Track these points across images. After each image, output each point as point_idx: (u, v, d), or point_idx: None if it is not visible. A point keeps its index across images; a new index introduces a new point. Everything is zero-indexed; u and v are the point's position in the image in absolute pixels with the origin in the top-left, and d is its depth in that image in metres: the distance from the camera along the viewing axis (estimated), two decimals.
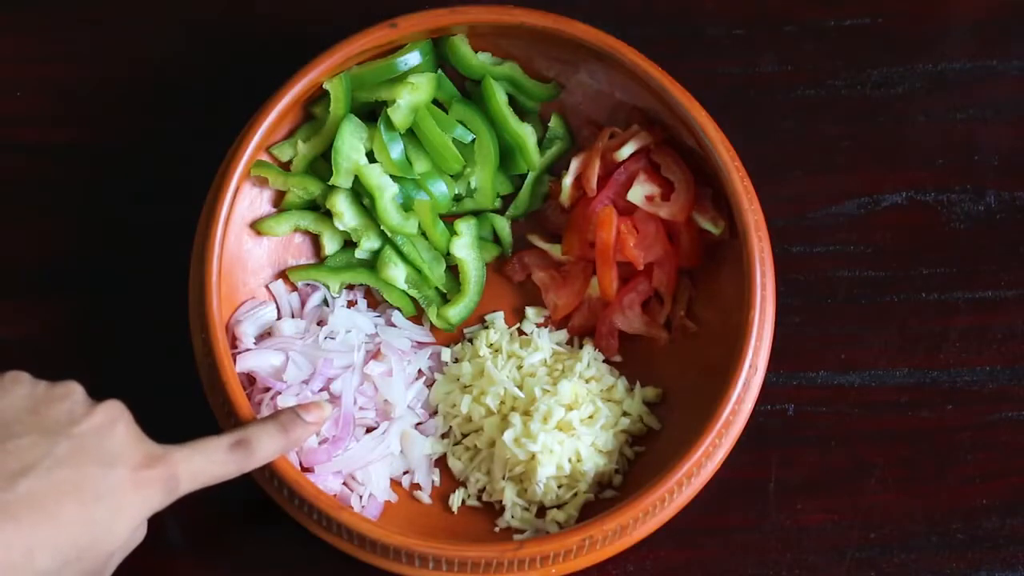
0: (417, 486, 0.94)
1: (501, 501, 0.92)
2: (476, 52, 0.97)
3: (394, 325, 0.96)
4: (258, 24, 1.02)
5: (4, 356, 0.95)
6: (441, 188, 0.97)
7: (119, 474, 0.79)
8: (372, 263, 0.97)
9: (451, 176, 0.97)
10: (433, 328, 0.97)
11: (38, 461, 0.77)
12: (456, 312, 0.96)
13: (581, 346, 0.96)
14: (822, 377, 0.96)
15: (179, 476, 0.81)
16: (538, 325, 0.97)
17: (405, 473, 0.94)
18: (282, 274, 0.96)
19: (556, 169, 0.99)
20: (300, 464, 0.91)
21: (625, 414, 0.94)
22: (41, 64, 1.02)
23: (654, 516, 0.89)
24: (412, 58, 0.95)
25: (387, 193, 0.95)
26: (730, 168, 0.92)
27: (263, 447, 0.84)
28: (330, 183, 0.95)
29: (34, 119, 1.01)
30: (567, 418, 0.91)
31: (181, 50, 1.02)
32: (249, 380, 0.92)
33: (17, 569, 0.76)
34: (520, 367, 0.94)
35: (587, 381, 0.93)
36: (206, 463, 0.82)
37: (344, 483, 0.92)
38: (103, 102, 1.01)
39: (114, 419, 0.80)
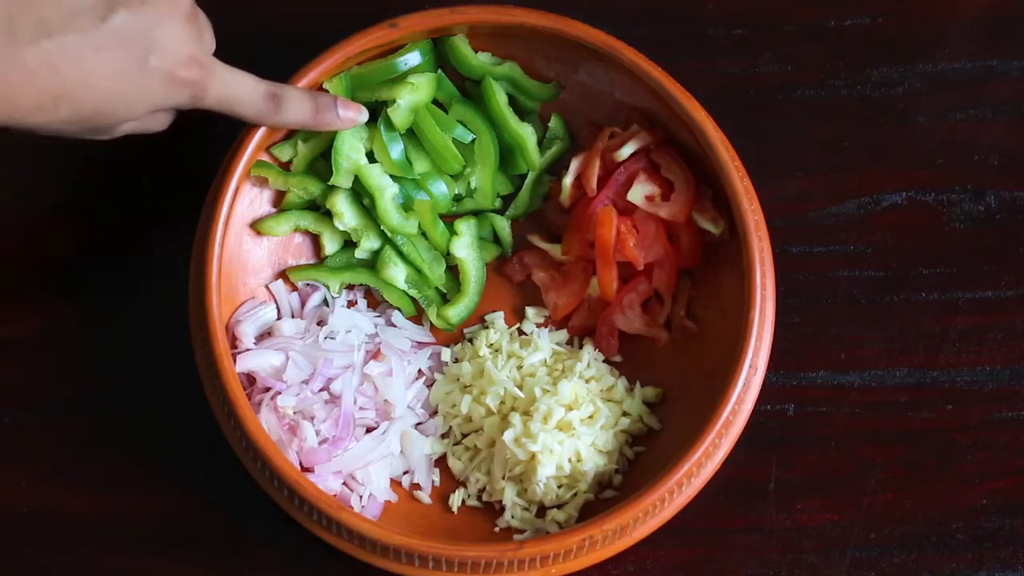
0: (417, 486, 0.94)
1: (501, 501, 0.92)
2: (476, 52, 0.97)
3: (394, 325, 0.96)
4: (258, 24, 1.02)
5: (4, 356, 0.95)
6: (441, 188, 0.97)
7: (158, 63, 0.82)
8: (372, 263, 0.97)
9: (451, 176, 0.97)
10: (433, 328, 0.97)
11: (88, 25, 0.80)
12: (456, 312, 0.96)
13: (581, 346, 0.96)
14: (822, 377, 0.96)
15: (208, 90, 0.85)
16: (538, 325, 0.97)
17: (405, 473, 0.94)
18: (282, 274, 0.96)
19: (556, 169, 0.99)
20: (300, 464, 0.91)
21: (625, 414, 0.94)
22: None
23: (654, 516, 0.89)
24: (412, 58, 0.95)
25: (387, 193, 0.95)
26: (730, 168, 0.93)
27: (291, 110, 0.89)
28: (330, 183, 0.95)
29: None
30: (567, 418, 0.91)
31: None
32: (249, 380, 0.92)
33: (42, 111, 0.80)
34: (520, 367, 0.94)
35: (587, 381, 0.93)
36: (237, 93, 0.86)
37: (344, 483, 0.92)
38: None
39: (185, 15, 0.83)
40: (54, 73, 0.79)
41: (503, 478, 0.92)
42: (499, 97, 0.97)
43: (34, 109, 0.80)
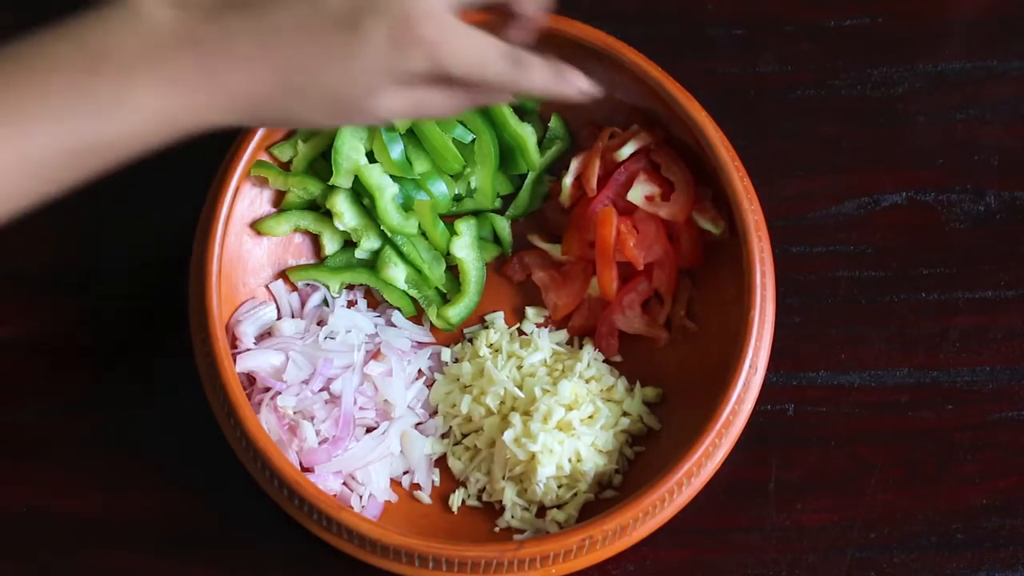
0: (417, 486, 0.94)
1: (501, 501, 0.92)
2: None
3: (394, 325, 0.96)
4: None
5: (4, 356, 0.95)
6: (441, 188, 0.97)
7: (373, 25, 0.75)
8: (372, 263, 0.97)
9: (451, 176, 0.97)
10: (433, 328, 0.97)
11: (298, 4, 0.75)
12: (456, 312, 0.96)
13: (581, 346, 0.96)
14: (822, 377, 0.96)
15: (443, 48, 0.77)
16: (538, 325, 0.97)
17: (405, 473, 0.94)
18: (282, 274, 0.96)
19: (556, 169, 0.99)
20: (300, 464, 0.91)
21: (625, 414, 0.94)
22: None
23: (654, 516, 0.89)
24: None
25: (387, 193, 0.95)
26: (730, 168, 0.93)
27: (534, 74, 0.80)
28: (330, 183, 0.95)
29: None
30: (567, 418, 0.91)
31: None
32: (249, 380, 0.92)
33: (271, 101, 0.76)
34: (520, 367, 0.94)
35: (587, 381, 0.93)
36: (480, 52, 0.78)
37: (344, 483, 0.92)
38: None
39: None
40: (273, 61, 0.75)
41: (503, 478, 0.92)
42: None
43: (262, 99, 0.76)
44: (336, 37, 0.76)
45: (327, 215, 0.96)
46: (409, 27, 0.76)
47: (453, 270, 0.98)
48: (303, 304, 0.96)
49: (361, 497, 0.92)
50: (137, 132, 0.75)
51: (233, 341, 0.92)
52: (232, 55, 0.75)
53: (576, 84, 0.82)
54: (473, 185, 0.98)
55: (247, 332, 0.92)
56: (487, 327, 0.97)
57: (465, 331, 0.97)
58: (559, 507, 0.92)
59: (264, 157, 0.95)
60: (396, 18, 0.76)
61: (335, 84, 0.77)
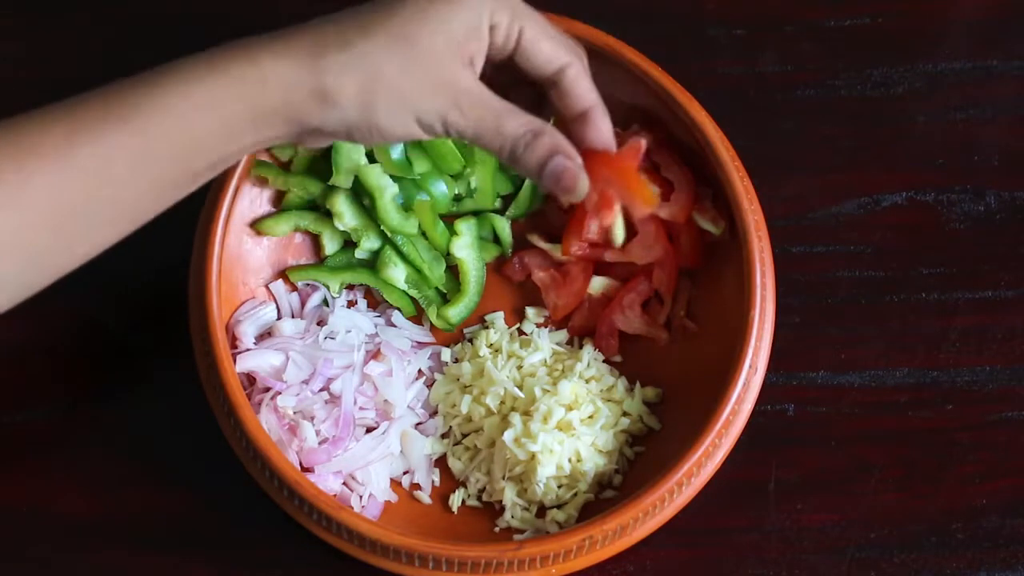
0: (417, 486, 0.94)
1: (501, 501, 0.92)
2: None
3: (394, 325, 0.96)
4: (283, 24, 1.02)
5: (5, 356, 0.95)
6: (441, 188, 0.97)
7: (436, 41, 0.78)
8: (372, 263, 0.97)
9: (451, 176, 0.97)
10: (433, 328, 0.97)
11: (376, 30, 0.78)
12: (456, 312, 0.96)
13: (581, 346, 0.96)
14: (822, 377, 0.96)
15: (529, 18, 0.80)
16: (538, 325, 0.97)
17: (405, 473, 0.94)
18: (282, 274, 0.96)
19: None
20: (300, 464, 0.91)
21: (625, 414, 0.94)
22: (45, 64, 1.02)
23: (654, 516, 0.89)
24: None
25: (387, 193, 0.95)
26: (730, 168, 0.93)
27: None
28: (330, 183, 0.95)
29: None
30: (567, 418, 0.91)
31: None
32: (249, 380, 0.92)
33: (359, 114, 0.78)
34: (520, 367, 0.94)
35: (587, 381, 0.93)
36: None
37: (344, 483, 0.92)
38: None
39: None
40: (357, 82, 0.77)
41: (503, 478, 0.92)
42: None
43: (356, 117, 0.78)
44: (405, 54, 0.78)
45: (327, 215, 0.96)
46: (460, 40, 0.78)
47: (453, 270, 0.98)
48: (303, 304, 0.96)
49: (361, 497, 0.92)
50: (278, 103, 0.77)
51: (233, 341, 0.92)
52: (341, 39, 0.77)
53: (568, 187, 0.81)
54: (473, 185, 0.98)
55: (247, 332, 0.92)
56: (487, 327, 0.97)
57: (465, 331, 0.97)
58: (559, 507, 0.92)
59: (264, 157, 0.95)
60: (448, 36, 0.78)
61: (406, 98, 0.78)
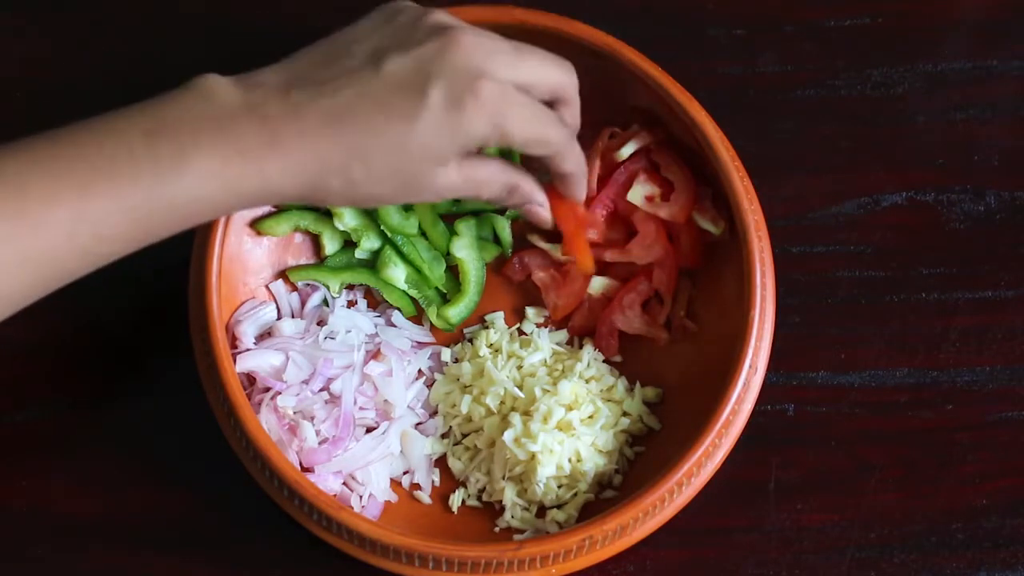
0: (417, 486, 0.94)
1: (501, 501, 0.92)
2: None
3: (394, 325, 0.96)
4: (285, 24, 1.02)
5: (6, 356, 0.95)
6: None
7: (438, 93, 0.78)
8: (372, 263, 0.97)
9: None
10: (433, 328, 0.97)
11: (364, 77, 0.77)
12: (456, 312, 0.96)
13: (581, 346, 0.96)
14: (822, 377, 0.96)
15: (507, 116, 0.80)
16: (538, 325, 0.97)
17: (405, 473, 0.94)
18: (282, 274, 0.96)
19: None
20: (300, 464, 0.91)
21: (625, 414, 0.94)
22: (48, 64, 1.02)
23: (654, 516, 0.89)
24: None
25: None
26: (730, 168, 0.93)
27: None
28: None
29: (36, 120, 1.01)
30: (567, 418, 0.91)
31: (200, 55, 1.01)
32: (249, 380, 0.92)
33: (337, 174, 0.78)
34: (520, 367, 0.94)
35: (587, 381, 0.93)
36: (537, 114, 0.83)
37: (344, 483, 0.92)
38: (120, 102, 1.01)
39: (459, 43, 0.79)
40: (338, 130, 0.77)
41: (503, 478, 0.92)
42: None
43: (327, 167, 0.77)
44: (401, 101, 0.78)
45: (327, 215, 0.96)
46: (473, 90, 0.78)
47: (453, 270, 0.98)
48: (303, 304, 0.96)
49: (361, 497, 0.92)
50: (200, 196, 0.76)
51: (233, 341, 0.92)
52: (298, 127, 0.77)
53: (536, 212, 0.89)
54: None
55: (247, 332, 0.92)
56: (487, 327, 0.97)
57: (465, 331, 0.97)
58: (559, 507, 0.92)
59: None
60: (460, 81, 0.78)
61: (398, 149, 0.78)
